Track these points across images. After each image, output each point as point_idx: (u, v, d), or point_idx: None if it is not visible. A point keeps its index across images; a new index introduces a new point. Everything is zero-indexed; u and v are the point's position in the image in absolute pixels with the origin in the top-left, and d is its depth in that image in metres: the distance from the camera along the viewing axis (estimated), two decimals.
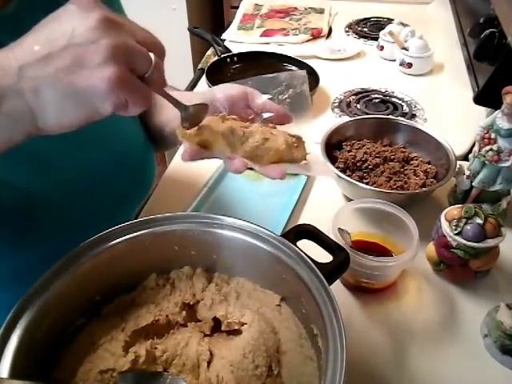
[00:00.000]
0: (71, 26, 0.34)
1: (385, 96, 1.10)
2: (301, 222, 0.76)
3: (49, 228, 0.58)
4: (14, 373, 0.39)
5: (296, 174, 0.85)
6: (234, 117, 0.50)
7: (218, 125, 0.47)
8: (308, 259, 0.48)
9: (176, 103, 0.43)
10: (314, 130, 0.94)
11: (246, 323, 0.51)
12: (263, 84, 0.56)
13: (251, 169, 0.48)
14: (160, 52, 0.38)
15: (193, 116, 0.45)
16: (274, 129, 0.50)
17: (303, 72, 0.57)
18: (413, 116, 1.03)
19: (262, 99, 0.52)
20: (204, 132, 0.47)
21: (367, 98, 1.09)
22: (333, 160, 0.81)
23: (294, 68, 1.19)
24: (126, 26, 0.36)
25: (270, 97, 0.53)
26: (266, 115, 0.52)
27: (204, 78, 1.12)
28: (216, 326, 0.53)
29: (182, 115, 0.45)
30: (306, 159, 0.49)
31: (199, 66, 1.25)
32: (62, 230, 0.58)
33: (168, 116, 0.68)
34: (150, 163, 0.73)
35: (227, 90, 0.54)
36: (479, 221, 0.61)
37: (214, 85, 1.04)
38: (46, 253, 0.48)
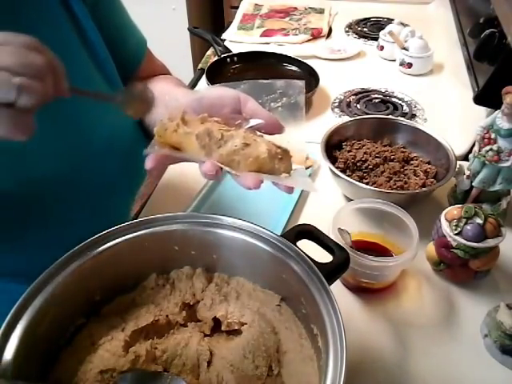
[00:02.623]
0: None
1: (385, 96, 1.10)
2: (301, 222, 0.76)
3: (36, 223, 0.56)
4: (14, 372, 0.39)
5: None
6: (216, 119, 0.47)
7: (194, 125, 0.45)
8: (308, 259, 0.48)
9: (100, 96, 0.41)
10: (314, 129, 0.95)
11: (246, 323, 0.51)
12: (257, 89, 0.53)
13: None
14: (35, 72, 0.35)
15: (133, 98, 0.43)
16: (261, 137, 0.47)
17: (301, 82, 0.53)
18: (413, 116, 1.03)
19: (254, 105, 0.50)
20: (179, 132, 0.44)
21: (367, 98, 1.09)
22: (333, 160, 0.81)
23: (294, 68, 1.19)
24: None
25: (259, 101, 0.50)
26: (254, 121, 0.49)
27: (204, 77, 1.12)
28: (216, 326, 0.53)
29: (118, 104, 0.43)
30: (289, 174, 0.46)
31: (199, 66, 1.25)
32: (46, 225, 0.57)
33: (156, 116, 0.67)
34: (140, 152, 0.71)
35: (219, 91, 0.51)
36: (479, 221, 0.61)
37: (214, 85, 1.05)
38: (31, 249, 0.48)
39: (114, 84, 0.63)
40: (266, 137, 0.48)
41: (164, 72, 0.77)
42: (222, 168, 0.44)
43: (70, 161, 0.58)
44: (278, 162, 0.45)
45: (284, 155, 0.45)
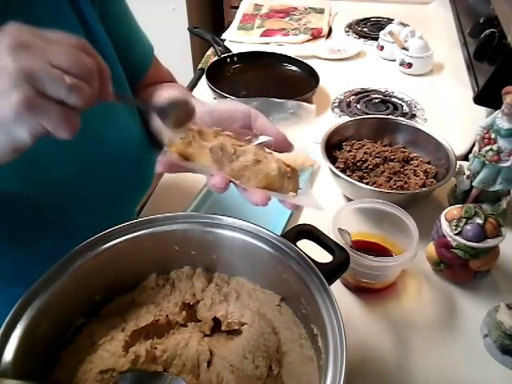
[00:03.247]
0: None
1: (385, 96, 1.10)
2: (301, 222, 0.76)
3: (41, 226, 0.57)
4: (14, 373, 0.39)
5: None
6: (228, 133, 0.47)
7: (208, 138, 0.45)
8: (308, 259, 0.48)
9: (141, 104, 0.41)
10: (314, 130, 0.95)
11: (246, 323, 0.51)
12: (268, 106, 0.54)
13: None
14: (84, 71, 0.36)
15: (171, 113, 0.43)
16: (270, 154, 0.47)
17: (312, 106, 0.54)
18: (413, 116, 1.03)
19: (264, 121, 0.50)
20: (193, 144, 0.44)
21: (367, 98, 1.09)
22: (333, 160, 0.81)
23: (294, 68, 1.19)
24: (37, 48, 0.34)
25: (269, 119, 0.51)
26: (263, 138, 0.49)
27: (204, 78, 1.12)
28: (216, 326, 0.53)
29: (158, 116, 0.43)
30: (296, 192, 0.46)
31: (199, 66, 1.25)
32: (57, 229, 0.57)
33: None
34: (148, 158, 0.71)
35: (230, 105, 0.52)
36: (479, 221, 0.61)
37: (214, 85, 1.05)
38: (42, 253, 0.48)
39: (122, 88, 0.63)
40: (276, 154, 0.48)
41: (170, 79, 0.77)
42: (230, 181, 0.44)
43: (81, 165, 0.59)
44: (287, 181, 0.45)
45: (292, 174, 0.46)
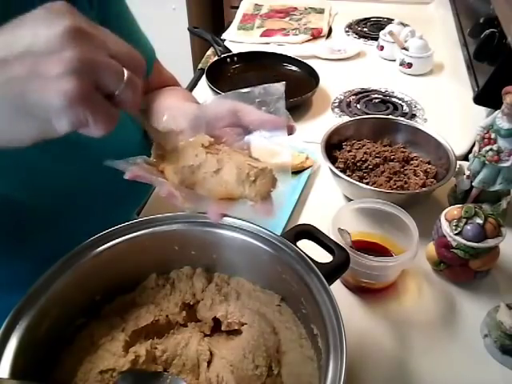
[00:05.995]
0: (34, 32, 0.30)
1: (385, 96, 1.10)
2: (301, 222, 0.76)
3: (39, 235, 0.56)
4: (14, 373, 0.39)
5: (296, 174, 0.85)
6: (209, 139, 0.44)
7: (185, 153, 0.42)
8: (308, 259, 0.48)
9: (151, 129, 0.40)
10: (314, 129, 0.95)
11: (246, 323, 0.51)
12: (237, 99, 0.48)
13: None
14: (137, 68, 0.34)
15: (165, 143, 0.42)
16: (239, 155, 0.42)
17: (280, 85, 0.47)
18: (413, 116, 1.03)
19: (256, 115, 0.46)
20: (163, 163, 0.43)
21: (367, 98, 1.09)
22: (333, 160, 0.81)
23: (293, 68, 1.19)
24: (98, 38, 0.32)
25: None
26: (258, 133, 0.45)
27: (204, 77, 1.12)
28: (216, 326, 0.53)
29: (156, 141, 0.42)
30: (265, 197, 0.40)
31: (199, 66, 1.25)
32: (54, 236, 0.56)
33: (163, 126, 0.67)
34: None
35: (213, 107, 0.49)
36: (479, 221, 0.61)
37: (214, 85, 1.05)
38: (39, 260, 0.48)
39: None
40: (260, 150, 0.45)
41: (172, 83, 0.76)
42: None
43: (80, 176, 0.58)
44: (249, 187, 0.40)
45: (261, 175, 0.40)
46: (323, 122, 0.99)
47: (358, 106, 1.06)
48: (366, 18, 1.48)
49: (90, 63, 0.31)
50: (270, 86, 0.47)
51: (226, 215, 0.41)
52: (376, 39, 1.30)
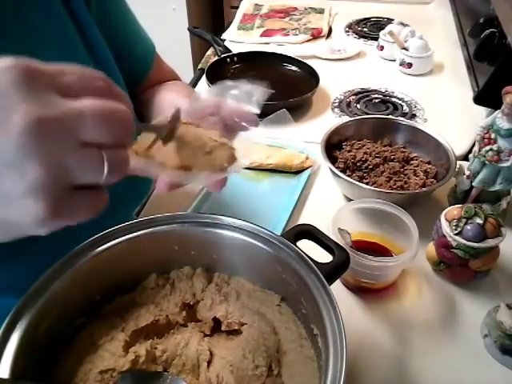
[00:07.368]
0: None
1: (385, 96, 1.10)
2: (301, 222, 0.76)
3: (39, 235, 0.56)
4: (14, 373, 0.39)
5: (296, 174, 0.85)
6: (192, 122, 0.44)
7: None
8: (308, 259, 0.47)
9: (153, 129, 0.39)
10: (314, 129, 0.95)
11: (246, 323, 0.50)
12: (222, 90, 0.50)
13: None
14: (119, 124, 0.29)
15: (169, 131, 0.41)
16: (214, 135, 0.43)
17: (266, 91, 0.48)
18: (413, 116, 1.03)
19: (230, 107, 0.48)
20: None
21: (367, 98, 1.09)
22: (333, 160, 0.81)
23: (294, 68, 1.19)
24: (62, 121, 0.26)
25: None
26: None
27: (204, 78, 1.12)
28: (216, 326, 0.53)
29: (159, 135, 0.41)
30: (216, 171, 0.42)
31: (199, 66, 1.25)
32: (54, 236, 0.57)
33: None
34: None
35: (201, 103, 0.50)
36: (479, 221, 0.61)
37: (214, 85, 1.05)
38: (39, 261, 0.47)
39: None
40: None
41: (173, 77, 0.77)
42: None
43: None
44: (203, 156, 0.41)
45: (218, 149, 0.42)
46: (323, 122, 0.99)
47: (358, 106, 1.06)
48: (365, 18, 1.48)
49: (57, 172, 0.26)
50: (257, 88, 0.48)
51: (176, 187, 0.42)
52: (376, 39, 1.30)
